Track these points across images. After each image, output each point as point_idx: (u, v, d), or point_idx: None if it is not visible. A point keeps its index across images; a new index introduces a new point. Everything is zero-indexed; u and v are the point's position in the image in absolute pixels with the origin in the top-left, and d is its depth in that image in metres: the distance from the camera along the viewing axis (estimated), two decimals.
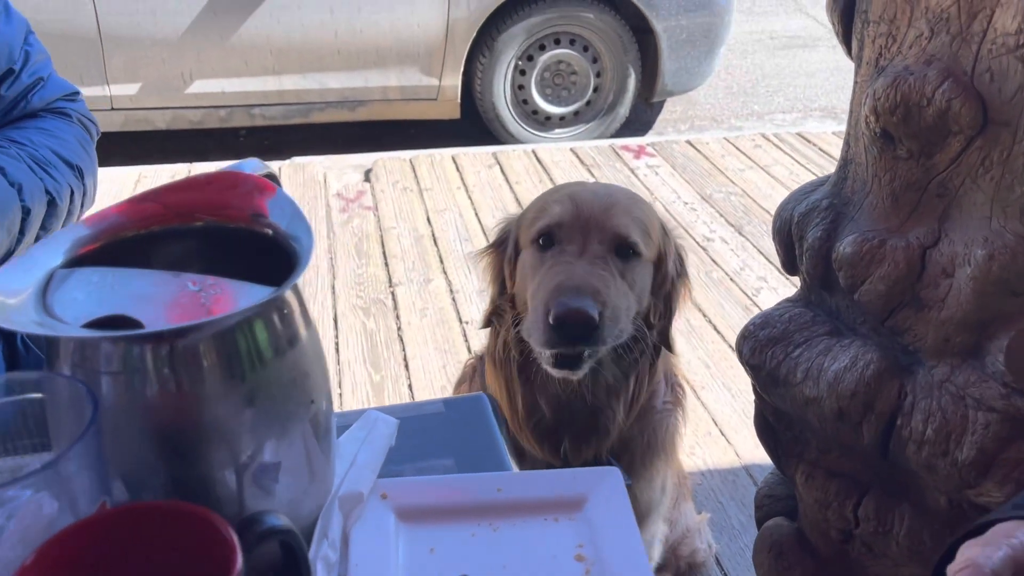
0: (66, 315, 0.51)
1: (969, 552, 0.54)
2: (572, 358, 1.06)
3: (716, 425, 2.37)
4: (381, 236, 3.31)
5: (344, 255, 3.16)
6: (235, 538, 0.45)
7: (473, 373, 1.38)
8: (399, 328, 2.73)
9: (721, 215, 3.50)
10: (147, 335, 0.51)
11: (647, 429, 1.27)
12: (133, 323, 0.52)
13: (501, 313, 1.24)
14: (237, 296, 0.54)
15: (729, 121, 5.06)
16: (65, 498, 0.47)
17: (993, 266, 0.82)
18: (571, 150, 4.10)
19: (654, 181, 3.82)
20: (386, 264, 3.12)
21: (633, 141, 4.29)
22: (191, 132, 4.15)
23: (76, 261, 0.55)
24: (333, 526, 0.62)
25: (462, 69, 4.05)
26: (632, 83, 4.30)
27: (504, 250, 1.24)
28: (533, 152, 4.04)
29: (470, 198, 3.60)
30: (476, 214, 3.45)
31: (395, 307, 2.85)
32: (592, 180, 3.73)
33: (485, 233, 3.24)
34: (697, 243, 3.29)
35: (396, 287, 2.97)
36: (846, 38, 0.96)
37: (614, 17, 4.13)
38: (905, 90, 0.84)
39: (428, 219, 3.44)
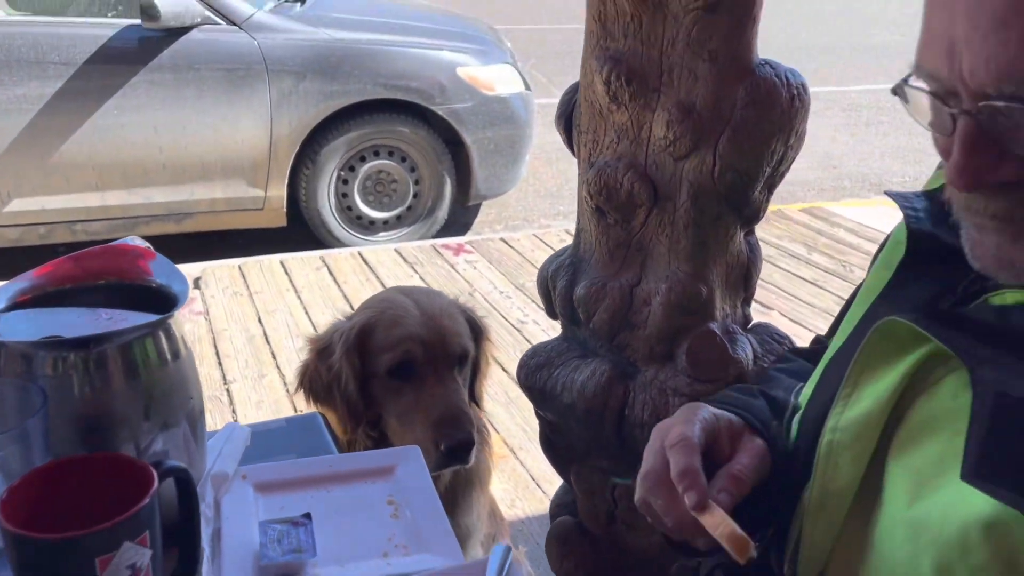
0: (12, 339, 0.74)
1: (676, 430, 0.72)
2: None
3: (533, 480, 2.68)
4: (213, 338, 3.44)
5: None
6: (151, 468, 0.69)
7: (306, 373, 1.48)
8: (234, 420, 2.87)
9: (532, 301, 3.90)
10: (70, 341, 0.75)
11: (461, 468, 1.55)
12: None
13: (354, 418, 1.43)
14: (136, 322, 0.79)
15: (539, 220, 5.57)
16: (26, 459, 0.69)
17: (672, 295, 1.19)
18: (395, 250, 4.41)
19: (473, 274, 4.19)
20: (220, 364, 3.25)
21: (453, 240, 4.67)
22: (6, 250, 4.12)
23: (15, 306, 0.78)
24: (208, 496, 0.86)
25: (287, 180, 4.29)
26: (448, 189, 4.67)
27: (344, 366, 1.36)
28: (359, 254, 4.32)
29: (300, 299, 3.81)
30: (306, 312, 3.66)
31: (231, 402, 2.99)
32: (410, 285, 4.04)
33: (316, 329, 3.45)
34: (513, 326, 3.66)
35: (231, 384, 3.10)
36: (569, 143, 1.34)
37: (427, 131, 4.50)
38: (606, 178, 1.22)
39: (259, 319, 3.61)
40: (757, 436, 0.76)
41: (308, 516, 0.84)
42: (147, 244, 0.91)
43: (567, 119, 1.33)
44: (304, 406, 1.47)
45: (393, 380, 1.35)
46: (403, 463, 0.96)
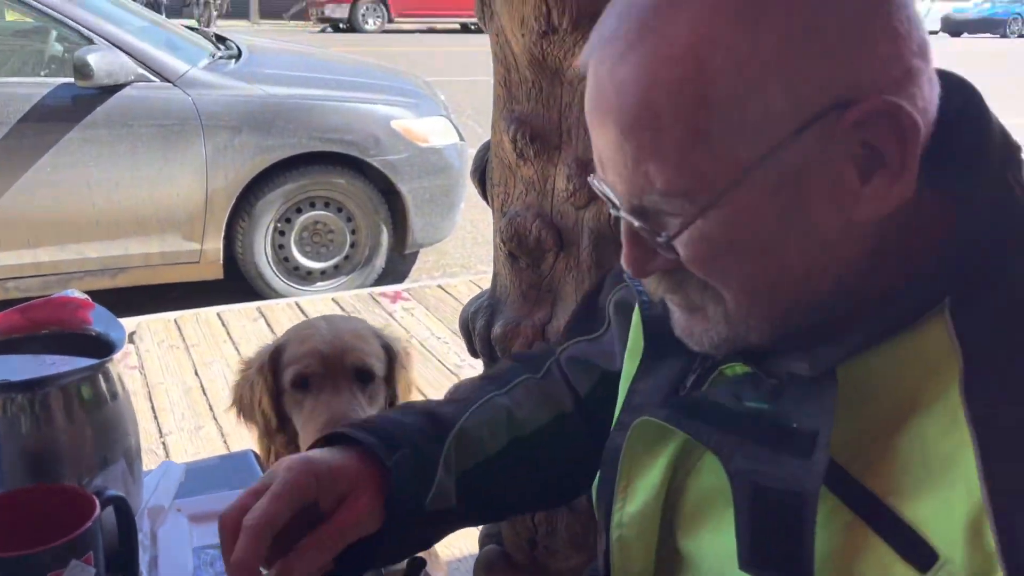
0: None
1: (261, 508, 0.71)
2: None
3: None
4: (149, 392, 3.44)
5: None
6: (94, 496, 0.77)
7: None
8: None
9: None
10: (17, 383, 0.82)
11: None
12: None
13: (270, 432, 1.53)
14: (78, 365, 0.87)
15: (476, 267, 5.67)
16: None
17: None
18: (333, 299, 4.47)
19: (410, 322, 4.27)
20: (155, 417, 3.25)
21: (390, 288, 4.74)
22: None
23: None
24: (144, 526, 0.93)
25: (223, 233, 4.33)
26: (385, 238, 4.73)
27: (257, 380, 1.48)
28: (296, 304, 4.36)
29: (237, 350, 3.83)
30: None
31: (167, 454, 2.99)
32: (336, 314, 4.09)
33: None
34: (450, 370, 3.74)
35: (167, 436, 3.11)
36: (484, 195, 1.47)
37: (363, 182, 4.57)
38: (517, 226, 1.34)
39: (196, 372, 3.62)
40: (374, 483, 0.78)
41: None
42: (85, 296, 0.99)
43: (481, 173, 1.45)
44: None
45: (297, 392, 1.45)
46: None
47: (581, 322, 0.99)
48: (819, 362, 0.61)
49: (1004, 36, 24.92)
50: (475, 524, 1.00)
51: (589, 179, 0.69)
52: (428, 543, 0.87)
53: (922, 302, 0.60)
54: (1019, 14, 25.89)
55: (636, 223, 0.64)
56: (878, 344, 0.61)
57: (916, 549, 0.56)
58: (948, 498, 0.55)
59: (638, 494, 0.74)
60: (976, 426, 0.55)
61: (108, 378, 0.89)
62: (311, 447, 0.83)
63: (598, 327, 0.95)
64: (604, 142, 0.63)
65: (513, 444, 0.90)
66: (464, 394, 0.96)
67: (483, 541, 1.66)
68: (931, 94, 0.61)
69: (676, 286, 0.67)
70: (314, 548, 0.73)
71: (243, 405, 1.52)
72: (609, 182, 0.65)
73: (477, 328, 1.44)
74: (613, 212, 0.67)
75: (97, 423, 0.87)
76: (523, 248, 1.34)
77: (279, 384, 1.48)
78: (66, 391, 0.85)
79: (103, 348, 0.91)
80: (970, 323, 0.58)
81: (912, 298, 0.61)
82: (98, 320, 0.93)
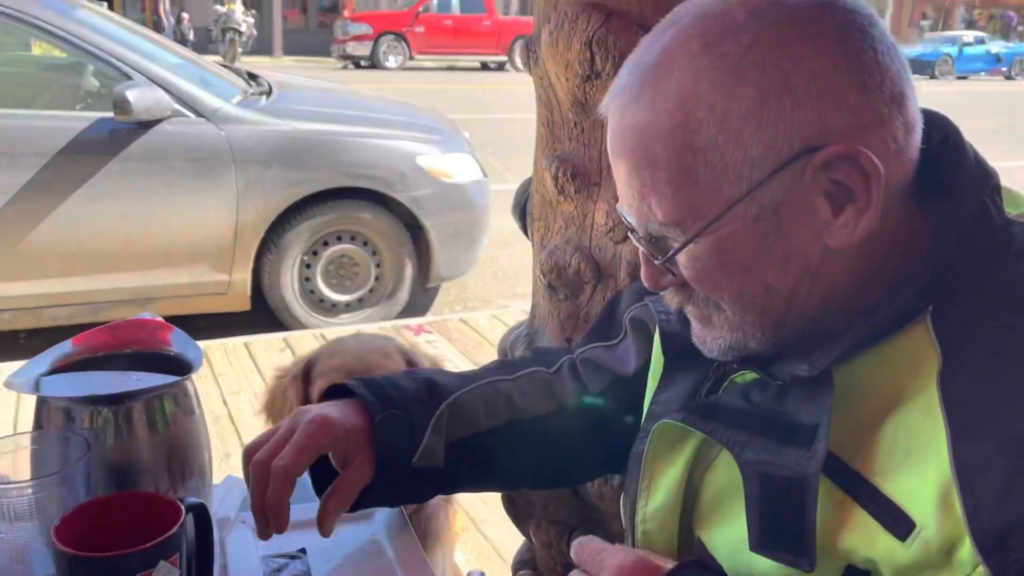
0: (56, 394, 0.87)
1: (288, 458, 0.90)
2: None
3: (495, 551, 2.77)
4: None
5: None
6: (180, 503, 0.83)
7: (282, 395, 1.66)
8: None
9: None
10: (105, 397, 0.88)
11: (423, 521, 1.67)
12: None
13: None
14: (161, 382, 0.93)
15: (497, 301, 5.74)
16: (72, 496, 0.82)
17: None
18: (358, 331, 4.54)
19: (432, 353, 4.32)
20: None
21: (413, 321, 4.81)
22: None
23: (57, 370, 0.91)
24: (214, 536, 0.98)
25: (251, 265, 4.42)
26: (409, 272, 4.81)
27: (290, 389, 1.59)
28: (322, 335, 4.43)
29: (264, 380, 3.89)
30: None
31: None
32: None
33: None
34: None
35: None
36: (524, 229, 1.53)
37: (389, 216, 4.67)
38: (556, 259, 1.40)
39: (224, 401, 3.68)
40: (371, 442, 0.94)
41: (303, 551, 0.97)
42: (161, 318, 1.06)
43: (522, 208, 1.52)
44: None
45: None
46: (381, 510, 1.10)
47: (600, 330, 1.09)
48: (816, 364, 0.70)
49: (933, 77, 25.03)
50: (464, 490, 1.13)
51: (617, 206, 0.78)
52: (422, 497, 1.03)
53: (908, 310, 0.69)
54: (948, 55, 26.01)
55: (645, 246, 0.75)
56: (869, 347, 0.69)
57: (896, 520, 0.64)
58: (923, 474, 0.63)
59: (659, 491, 0.82)
60: (948, 412, 0.63)
61: (186, 395, 0.95)
62: (322, 395, 1.04)
63: (615, 336, 1.06)
64: (619, 177, 0.74)
65: (509, 426, 1.01)
66: (472, 372, 1.08)
67: (516, 567, 1.70)
68: (907, 136, 0.70)
69: (686, 299, 0.77)
70: (338, 498, 0.94)
71: (273, 410, 1.61)
72: (626, 210, 0.76)
73: (517, 355, 1.49)
74: (631, 236, 0.77)
75: (175, 437, 0.93)
76: (562, 280, 1.40)
77: (309, 395, 1.56)
78: (149, 405, 0.91)
79: (181, 367, 0.97)
80: (949, 327, 0.67)
81: (899, 307, 0.69)
82: (177, 341, 1.00)
